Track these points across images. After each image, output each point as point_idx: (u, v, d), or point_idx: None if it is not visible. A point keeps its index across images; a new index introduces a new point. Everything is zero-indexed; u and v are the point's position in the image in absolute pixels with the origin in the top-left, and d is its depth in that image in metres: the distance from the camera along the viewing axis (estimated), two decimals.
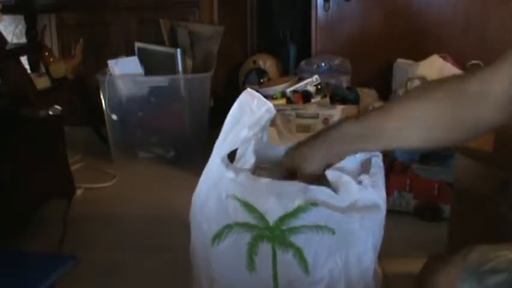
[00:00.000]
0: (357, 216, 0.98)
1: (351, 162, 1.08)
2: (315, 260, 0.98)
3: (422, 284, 0.75)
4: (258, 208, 1.01)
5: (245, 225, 1.04)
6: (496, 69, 0.78)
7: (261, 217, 1.01)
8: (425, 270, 0.77)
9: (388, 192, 1.94)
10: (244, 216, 1.03)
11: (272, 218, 0.99)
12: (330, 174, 0.99)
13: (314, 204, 0.96)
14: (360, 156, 1.10)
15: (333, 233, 0.97)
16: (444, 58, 2.46)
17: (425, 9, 2.80)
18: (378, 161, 1.10)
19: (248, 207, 1.04)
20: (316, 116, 2.30)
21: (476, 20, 2.76)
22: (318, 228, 0.97)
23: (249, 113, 1.06)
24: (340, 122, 0.97)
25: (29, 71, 2.54)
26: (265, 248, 1.03)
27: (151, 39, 2.72)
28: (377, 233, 1.03)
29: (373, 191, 1.01)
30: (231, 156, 1.13)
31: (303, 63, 2.73)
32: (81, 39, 2.70)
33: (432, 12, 2.80)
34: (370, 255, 1.02)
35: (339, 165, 1.04)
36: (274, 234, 0.99)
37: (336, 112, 2.27)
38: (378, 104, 2.27)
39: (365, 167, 1.09)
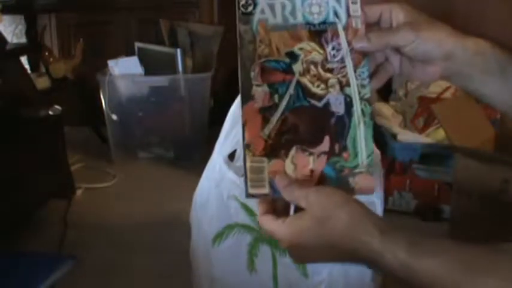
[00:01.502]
0: None
1: None
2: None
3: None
4: (256, 211, 1.01)
5: (245, 227, 1.04)
6: None
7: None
8: None
9: (388, 192, 1.95)
10: (245, 218, 1.03)
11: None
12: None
13: None
14: None
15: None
16: None
17: (425, 9, 2.80)
18: (375, 159, 1.10)
19: (248, 210, 1.04)
20: None
21: (477, 20, 2.76)
22: None
23: None
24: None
25: (29, 71, 2.54)
26: (265, 250, 1.04)
27: (151, 39, 2.72)
28: None
29: None
30: (231, 155, 1.13)
31: None
32: (81, 39, 2.70)
33: (434, 12, 2.80)
34: None
35: None
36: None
37: None
38: (378, 104, 2.27)
39: None
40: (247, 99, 0.67)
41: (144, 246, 1.78)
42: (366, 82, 0.69)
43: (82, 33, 2.85)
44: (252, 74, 0.68)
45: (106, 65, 2.52)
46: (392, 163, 1.98)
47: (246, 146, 0.67)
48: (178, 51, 2.52)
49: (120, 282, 1.58)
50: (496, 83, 0.71)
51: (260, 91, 0.68)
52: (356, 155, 0.68)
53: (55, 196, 2.00)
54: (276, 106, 0.67)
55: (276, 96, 0.68)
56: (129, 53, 2.69)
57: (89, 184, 2.27)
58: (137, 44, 2.67)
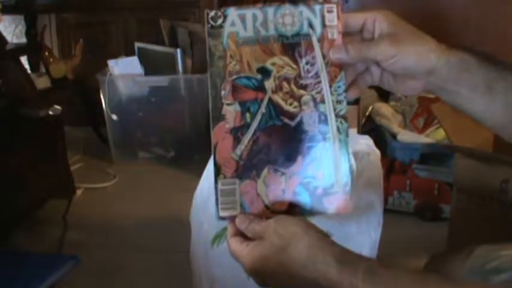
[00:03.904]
0: (353, 218, 0.98)
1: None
2: None
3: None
4: None
5: None
6: None
7: None
8: (427, 270, 0.77)
9: (388, 192, 1.95)
10: None
11: None
12: None
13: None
14: (357, 153, 1.10)
15: (330, 235, 0.97)
16: None
17: (425, 9, 2.80)
18: (375, 159, 1.10)
19: None
20: None
21: (476, 20, 2.76)
22: None
23: None
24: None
25: (29, 71, 2.54)
26: None
27: (152, 39, 2.72)
28: (374, 233, 1.03)
29: (369, 191, 1.01)
30: None
31: None
32: (81, 39, 2.70)
33: (432, 12, 2.80)
34: (367, 255, 1.02)
35: None
36: None
37: None
38: (378, 104, 2.27)
39: (362, 164, 1.08)
40: (218, 119, 0.65)
41: (144, 246, 1.78)
42: (342, 97, 0.66)
43: (82, 33, 2.85)
44: (223, 92, 0.65)
45: (106, 65, 2.52)
46: (393, 163, 1.98)
47: (217, 168, 0.65)
48: (178, 51, 2.52)
49: (120, 282, 1.58)
50: (483, 100, 0.67)
51: (231, 110, 0.65)
52: (331, 175, 0.65)
53: (55, 196, 2.00)
54: (247, 126, 0.65)
55: (248, 115, 0.65)
56: (129, 53, 2.69)
57: (89, 184, 2.27)
58: (137, 44, 2.67)
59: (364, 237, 1.00)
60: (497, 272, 0.64)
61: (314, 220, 0.97)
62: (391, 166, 1.97)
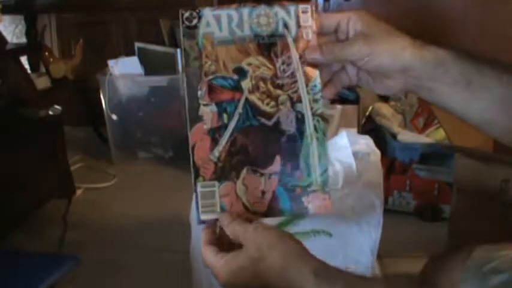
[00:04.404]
0: (353, 218, 0.98)
1: (349, 158, 1.08)
2: None
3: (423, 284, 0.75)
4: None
5: None
6: None
7: None
8: (426, 270, 0.77)
9: (388, 192, 1.95)
10: None
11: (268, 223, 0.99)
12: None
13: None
14: (357, 153, 1.10)
15: (330, 235, 0.97)
16: None
17: (425, 9, 2.80)
18: (375, 159, 1.10)
19: None
20: None
21: (476, 20, 2.76)
22: (315, 232, 0.97)
23: None
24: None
25: (29, 71, 2.54)
26: None
27: (151, 39, 2.72)
28: (374, 233, 1.03)
29: (369, 191, 1.01)
30: None
31: None
32: (81, 39, 2.70)
33: (433, 12, 2.80)
34: (367, 256, 1.02)
35: (335, 159, 1.04)
36: None
37: (336, 112, 2.27)
38: (378, 104, 2.27)
39: (362, 164, 1.08)
40: (195, 120, 0.65)
41: (144, 246, 1.78)
42: (318, 96, 0.66)
43: (82, 33, 2.85)
44: (199, 93, 0.65)
45: (106, 65, 2.52)
46: (393, 163, 1.98)
47: (196, 171, 0.65)
48: (178, 51, 2.51)
49: (120, 282, 1.58)
50: (464, 97, 0.67)
51: (208, 111, 0.65)
52: (309, 173, 0.65)
53: (55, 196, 2.00)
54: (225, 126, 0.65)
55: (225, 116, 0.65)
56: (129, 53, 2.69)
57: (89, 184, 2.27)
58: (137, 44, 2.67)
59: (364, 237, 1.00)
60: (496, 273, 0.64)
61: (314, 220, 0.97)
62: (391, 166, 1.97)
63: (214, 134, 0.65)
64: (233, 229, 0.63)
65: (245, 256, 0.61)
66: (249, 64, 0.65)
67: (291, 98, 0.66)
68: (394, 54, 0.65)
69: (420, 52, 0.65)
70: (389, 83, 0.68)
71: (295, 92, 0.66)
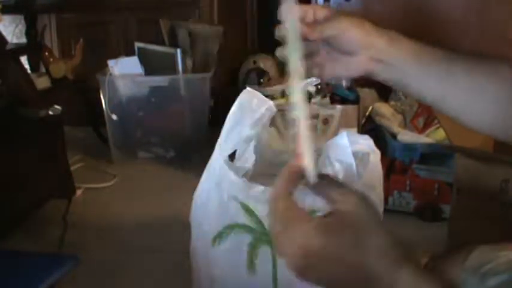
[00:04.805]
0: None
1: (349, 158, 1.07)
2: None
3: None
4: (256, 212, 1.01)
5: (245, 227, 1.04)
6: None
7: (259, 222, 1.01)
8: (427, 270, 0.77)
9: (388, 192, 1.95)
10: (245, 219, 1.03)
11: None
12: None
13: (312, 212, 0.96)
14: (357, 153, 1.10)
15: None
16: None
17: (426, 9, 2.80)
18: (375, 159, 1.10)
19: (248, 210, 1.04)
20: (316, 116, 2.30)
21: (476, 20, 2.76)
22: None
23: (250, 112, 1.06)
24: None
25: (29, 71, 2.54)
26: (265, 251, 1.03)
27: (151, 39, 2.72)
28: None
29: (369, 191, 1.00)
30: (231, 155, 1.13)
31: None
32: (81, 39, 2.69)
33: (433, 12, 2.80)
34: None
35: (335, 159, 1.04)
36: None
37: (336, 112, 2.27)
38: (378, 104, 2.27)
39: (362, 164, 1.08)
40: None
41: (144, 246, 1.78)
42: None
43: (82, 33, 2.85)
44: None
45: (106, 65, 2.52)
46: (393, 163, 1.98)
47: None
48: (178, 51, 2.52)
49: (120, 282, 1.58)
50: (440, 85, 0.70)
51: None
52: None
53: (55, 196, 2.00)
54: None
55: None
56: (129, 53, 2.69)
57: (89, 184, 2.27)
58: (137, 44, 2.67)
59: None
60: (494, 274, 0.64)
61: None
62: (391, 166, 1.97)
63: None
64: (322, 189, 0.55)
65: (347, 227, 0.52)
66: None
67: None
68: (365, 31, 0.69)
69: (386, 32, 0.71)
70: (354, 61, 0.70)
71: None
